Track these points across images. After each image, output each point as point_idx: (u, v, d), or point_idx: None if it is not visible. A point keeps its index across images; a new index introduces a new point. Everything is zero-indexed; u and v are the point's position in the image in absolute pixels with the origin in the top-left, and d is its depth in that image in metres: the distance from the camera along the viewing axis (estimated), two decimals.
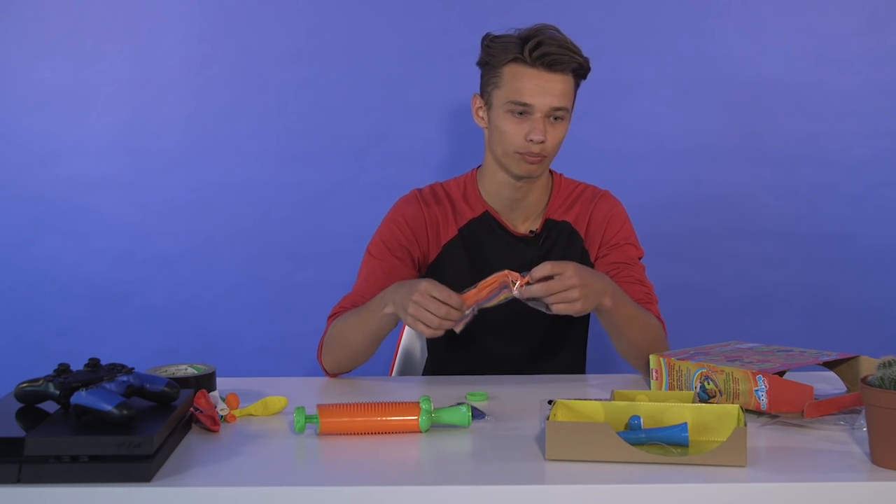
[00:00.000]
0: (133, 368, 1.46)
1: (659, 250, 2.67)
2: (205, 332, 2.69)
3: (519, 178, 1.91)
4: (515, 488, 1.26)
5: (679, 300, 2.69)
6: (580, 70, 1.86)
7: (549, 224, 1.98)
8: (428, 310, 1.64)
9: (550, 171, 2.03)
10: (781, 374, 1.60)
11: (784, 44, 2.64)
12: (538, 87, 1.82)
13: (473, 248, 1.97)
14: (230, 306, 2.70)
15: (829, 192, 2.67)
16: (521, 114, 1.83)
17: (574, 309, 1.65)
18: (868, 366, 1.61)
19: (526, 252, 1.97)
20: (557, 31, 1.86)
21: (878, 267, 2.69)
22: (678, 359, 1.65)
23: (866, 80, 2.64)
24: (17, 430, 1.31)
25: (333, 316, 1.92)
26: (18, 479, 1.25)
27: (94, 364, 1.45)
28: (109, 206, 2.66)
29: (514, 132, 1.84)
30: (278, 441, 1.46)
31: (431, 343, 2.10)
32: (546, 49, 1.81)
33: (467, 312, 1.67)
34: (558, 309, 1.65)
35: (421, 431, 1.47)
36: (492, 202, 1.98)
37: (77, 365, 1.47)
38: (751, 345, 1.78)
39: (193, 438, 1.46)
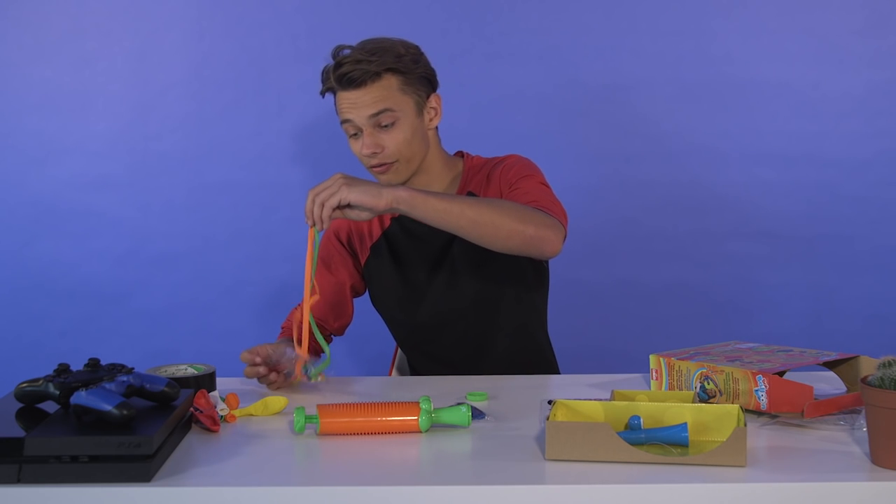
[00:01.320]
0: (133, 368, 1.46)
1: (659, 250, 2.68)
2: (205, 332, 2.69)
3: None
4: (515, 488, 1.26)
5: (679, 300, 2.69)
6: (396, 69, 1.85)
7: None
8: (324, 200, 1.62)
9: (463, 156, 2.04)
10: (781, 374, 1.60)
11: (784, 44, 2.64)
12: (350, 104, 1.86)
13: (397, 247, 2.00)
14: (230, 306, 2.70)
15: (829, 192, 2.67)
16: (353, 135, 1.88)
17: (340, 195, 1.59)
18: (868, 366, 1.61)
19: (442, 236, 1.91)
20: (365, 43, 1.86)
21: (878, 267, 2.69)
22: (678, 359, 1.65)
23: (866, 80, 2.64)
24: (17, 430, 1.31)
25: (284, 327, 2.02)
26: (18, 479, 1.25)
27: (94, 364, 1.45)
28: (109, 206, 2.66)
29: (356, 152, 1.90)
30: (278, 441, 1.46)
31: (409, 359, 2.14)
32: (342, 70, 1.84)
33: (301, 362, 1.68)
34: (322, 198, 1.60)
35: (421, 431, 1.47)
36: None
37: (77, 365, 1.47)
38: (751, 345, 1.78)
39: (193, 438, 1.46)
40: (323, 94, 1.94)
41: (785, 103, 2.65)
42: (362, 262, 2.04)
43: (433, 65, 2.71)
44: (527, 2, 2.63)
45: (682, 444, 1.36)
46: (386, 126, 1.86)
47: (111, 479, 1.26)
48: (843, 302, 2.70)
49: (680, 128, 2.66)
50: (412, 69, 1.88)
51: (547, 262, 2.03)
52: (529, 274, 2.00)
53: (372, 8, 2.62)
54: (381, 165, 1.88)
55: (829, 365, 1.68)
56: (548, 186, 1.90)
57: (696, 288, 2.70)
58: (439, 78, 2.73)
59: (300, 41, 2.64)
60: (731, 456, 1.30)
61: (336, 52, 1.88)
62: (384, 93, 1.85)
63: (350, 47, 1.88)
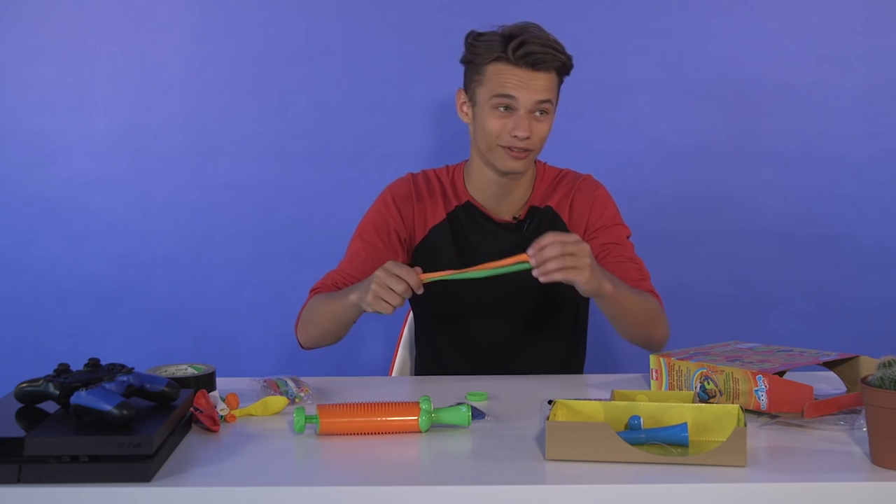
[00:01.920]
0: (133, 368, 1.46)
1: (659, 250, 2.67)
2: (205, 332, 2.69)
3: (504, 173, 1.93)
4: (515, 488, 1.26)
5: (679, 300, 2.68)
6: (563, 68, 1.89)
7: (532, 211, 2.00)
8: (389, 286, 1.67)
9: (535, 161, 2.04)
10: (781, 374, 1.60)
11: (784, 44, 2.63)
12: (521, 83, 1.84)
13: (459, 234, 1.99)
14: (230, 306, 2.70)
15: (829, 192, 2.67)
16: (506, 108, 1.85)
17: (582, 276, 1.62)
18: (868, 366, 1.61)
19: (509, 238, 1.98)
20: (540, 29, 1.87)
21: (878, 267, 2.69)
22: (678, 359, 1.65)
23: (866, 80, 2.64)
24: (17, 430, 1.31)
25: (314, 290, 1.97)
26: (18, 479, 1.25)
27: (94, 364, 1.45)
28: (109, 206, 2.66)
29: (498, 126, 1.87)
30: (278, 441, 1.46)
31: (421, 330, 2.11)
32: (529, 48, 1.82)
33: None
34: (566, 273, 1.61)
35: (421, 431, 1.47)
36: (476, 195, 2.00)
37: (77, 365, 1.47)
38: (751, 345, 1.78)
39: (193, 438, 1.46)
40: (475, 59, 1.88)
41: (785, 103, 2.65)
42: (417, 240, 2.01)
43: (433, 65, 2.72)
44: (527, 2, 2.62)
45: (682, 444, 1.36)
46: (539, 116, 1.87)
47: (111, 479, 1.26)
48: (843, 302, 2.70)
49: (680, 128, 2.66)
50: (568, 71, 1.92)
51: None
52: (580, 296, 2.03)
53: (372, 8, 2.62)
54: (523, 150, 1.87)
55: (829, 365, 1.68)
56: (632, 243, 2.01)
57: (696, 288, 2.70)
58: (439, 78, 2.74)
59: (300, 41, 2.63)
60: (731, 456, 1.30)
61: (512, 30, 1.85)
62: (551, 84, 1.87)
63: (522, 26, 1.86)
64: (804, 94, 2.64)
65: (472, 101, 1.92)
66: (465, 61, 1.92)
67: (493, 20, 2.60)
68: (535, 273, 1.64)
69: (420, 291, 1.69)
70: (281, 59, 2.64)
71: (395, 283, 1.67)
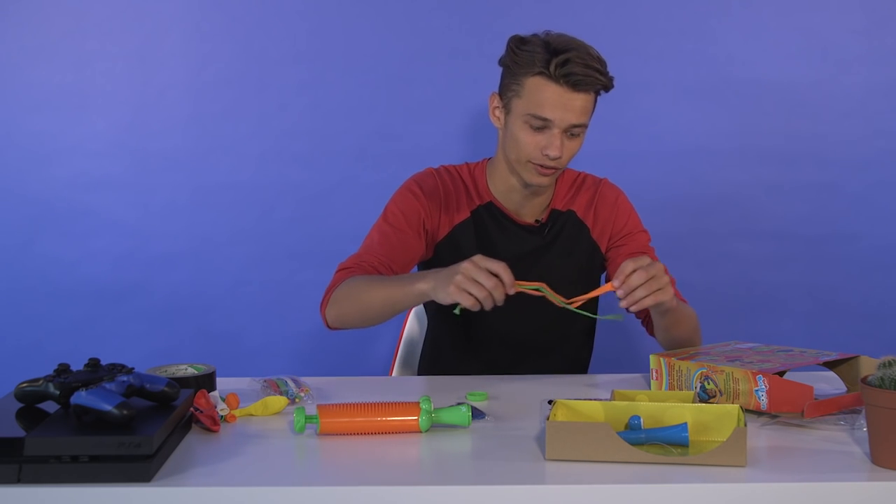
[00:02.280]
0: (133, 368, 1.46)
1: (659, 250, 2.66)
2: (205, 332, 2.69)
3: (528, 185, 1.92)
4: (515, 488, 1.26)
5: None
6: (604, 89, 1.87)
7: (554, 214, 2.01)
8: (476, 279, 1.59)
9: None
10: (781, 374, 1.60)
11: (784, 44, 2.63)
12: (559, 103, 1.80)
13: (483, 232, 1.99)
14: (230, 306, 2.70)
15: (829, 192, 2.67)
16: (539, 128, 1.83)
17: (667, 296, 1.64)
18: (868, 366, 1.61)
19: (531, 241, 1.99)
20: (587, 47, 1.83)
21: (879, 267, 2.69)
22: (678, 359, 1.65)
23: (866, 80, 2.64)
24: (17, 430, 1.31)
25: (345, 270, 1.88)
26: (18, 479, 1.25)
27: (94, 364, 1.45)
28: (109, 206, 2.66)
29: (530, 143, 1.85)
30: (278, 441, 1.46)
31: (432, 328, 2.10)
32: (572, 69, 1.78)
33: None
34: (656, 297, 1.62)
35: (421, 431, 1.47)
36: (498, 196, 2.00)
37: (77, 365, 1.47)
38: (751, 345, 1.78)
39: (193, 438, 1.46)
40: (516, 69, 1.83)
41: (785, 103, 2.65)
42: (440, 235, 1.99)
43: (433, 65, 2.71)
44: (527, 2, 2.62)
45: (682, 444, 1.36)
46: (571, 136, 1.85)
47: (111, 479, 1.26)
48: (843, 302, 2.70)
49: (680, 128, 2.66)
50: (609, 89, 1.89)
51: None
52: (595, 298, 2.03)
53: (372, 8, 2.62)
54: (551, 168, 1.86)
55: (829, 365, 1.68)
56: (650, 240, 2.06)
57: (697, 288, 2.69)
58: (439, 78, 2.73)
59: (300, 41, 2.63)
60: (731, 456, 1.30)
61: (557, 44, 1.80)
62: (588, 106, 1.84)
63: (566, 40, 1.82)
64: (804, 94, 2.64)
65: (506, 108, 1.88)
66: (505, 65, 1.88)
67: (493, 20, 2.62)
68: (623, 304, 1.64)
69: (513, 291, 1.61)
70: (281, 60, 2.64)
71: (483, 277, 1.59)
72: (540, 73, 1.80)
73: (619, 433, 1.33)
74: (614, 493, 1.25)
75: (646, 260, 1.64)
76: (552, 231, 2.00)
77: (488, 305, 1.61)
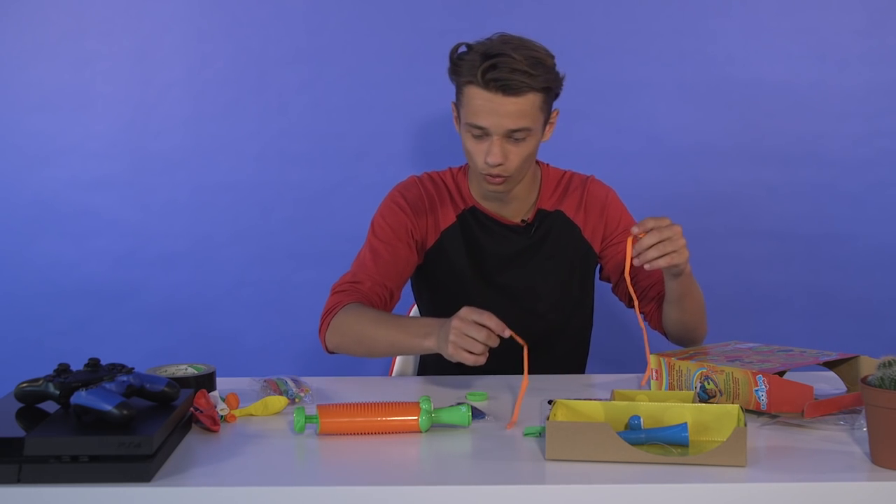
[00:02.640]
0: (133, 368, 1.46)
1: None
2: (205, 332, 2.69)
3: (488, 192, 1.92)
4: (515, 488, 1.26)
5: None
6: (546, 89, 1.80)
7: (541, 214, 1.99)
8: (469, 335, 1.57)
9: (537, 162, 2.02)
10: (781, 374, 1.60)
11: (784, 44, 2.63)
12: (492, 110, 1.76)
13: (470, 236, 1.98)
14: (230, 306, 2.70)
15: (829, 192, 2.67)
16: (479, 136, 1.81)
17: (682, 259, 1.65)
18: (868, 366, 1.61)
19: (518, 241, 1.98)
20: (523, 47, 1.77)
21: (879, 267, 2.69)
22: (678, 359, 1.65)
23: (866, 80, 2.64)
24: (17, 430, 1.31)
25: (341, 293, 1.89)
26: (18, 479, 1.25)
27: (94, 364, 1.45)
28: (109, 206, 2.66)
29: (474, 152, 1.83)
30: (278, 441, 1.46)
31: None
32: (498, 74, 1.73)
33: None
34: (670, 259, 1.63)
35: (421, 431, 1.47)
36: (480, 200, 1.99)
37: (77, 365, 1.47)
38: (751, 345, 1.78)
39: (193, 438, 1.46)
40: (454, 81, 1.82)
41: (785, 103, 2.65)
42: (429, 243, 1.98)
43: (433, 65, 2.71)
44: (527, 2, 2.63)
45: (682, 444, 1.36)
46: (517, 140, 1.81)
47: (111, 479, 1.26)
48: (843, 302, 2.70)
49: (680, 128, 2.66)
50: (555, 87, 1.83)
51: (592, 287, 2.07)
52: (591, 295, 2.07)
53: (372, 8, 2.62)
54: (498, 176, 1.84)
55: (829, 365, 1.68)
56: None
57: None
58: (439, 78, 2.72)
59: (300, 41, 2.64)
60: (731, 456, 1.30)
61: (489, 49, 1.76)
62: (528, 108, 1.78)
63: (502, 43, 1.77)
64: (804, 94, 2.64)
65: (458, 118, 1.88)
66: (450, 78, 1.86)
67: (493, 20, 2.60)
68: (636, 261, 1.64)
69: (506, 335, 1.57)
70: (281, 60, 2.64)
71: (474, 331, 1.56)
72: (470, 82, 1.77)
73: (619, 433, 1.33)
74: (614, 493, 1.25)
75: (665, 221, 1.64)
76: (539, 231, 1.99)
77: (483, 361, 1.58)
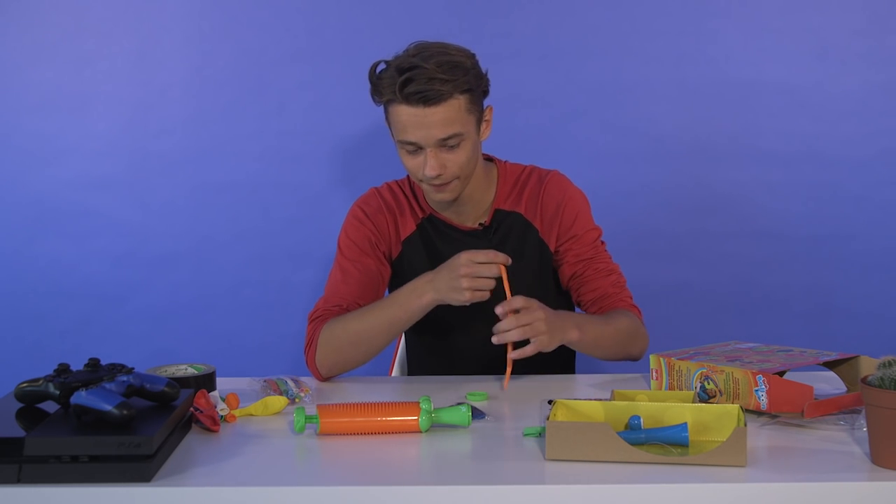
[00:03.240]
0: (133, 368, 1.46)
1: (659, 250, 2.68)
2: (205, 332, 2.69)
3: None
4: (515, 488, 1.26)
5: (679, 300, 2.69)
6: (466, 90, 1.78)
7: (498, 215, 1.97)
8: (482, 275, 1.69)
9: (493, 161, 2.01)
10: (781, 374, 1.60)
11: (784, 44, 2.63)
12: (418, 123, 1.75)
13: (430, 244, 1.97)
14: (230, 306, 2.70)
15: (829, 192, 2.67)
16: (412, 151, 1.80)
17: (542, 344, 1.68)
18: (868, 366, 1.61)
19: (478, 245, 1.93)
20: (437, 54, 1.75)
21: (879, 267, 2.69)
22: (678, 359, 1.65)
23: (866, 80, 2.64)
24: (17, 430, 1.31)
25: (319, 319, 1.89)
26: (18, 479, 1.25)
27: (94, 364, 1.45)
28: (109, 206, 2.66)
29: (413, 167, 1.83)
30: (278, 441, 1.46)
31: (410, 346, 2.13)
32: (415, 87, 1.72)
33: None
34: (536, 346, 1.68)
35: (421, 431, 1.47)
36: (435, 206, 1.97)
37: (77, 365, 1.47)
38: (751, 345, 1.78)
39: (193, 438, 1.46)
40: (377, 102, 1.83)
41: (785, 103, 2.65)
42: (394, 254, 1.98)
43: None
44: (527, 2, 2.62)
45: (682, 444, 1.36)
46: (451, 147, 1.80)
47: (111, 479, 1.26)
48: (843, 302, 2.70)
49: (680, 128, 2.66)
50: (479, 86, 1.82)
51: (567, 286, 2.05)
52: (557, 294, 2.04)
53: (372, 8, 2.62)
54: (442, 185, 1.83)
55: (829, 365, 1.68)
56: (604, 242, 2.02)
57: (697, 288, 2.70)
58: None
59: (300, 41, 2.63)
60: (731, 456, 1.30)
61: (402, 63, 1.75)
62: (453, 114, 1.76)
63: (415, 55, 1.76)
64: (804, 94, 2.64)
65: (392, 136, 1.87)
66: (373, 99, 1.85)
67: (493, 20, 2.62)
68: (495, 339, 1.68)
69: (509, 261, 1.71)
70: (281, 59, 2.64)
71: (485, 270, 1.69)
72: (392, 100, 1.77)
73: (619, 433, 1.33)
74: (614, 493, 1.25)
75: (532, 304, 1.68)
76: (498, 233, 1.96)
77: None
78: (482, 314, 1.96)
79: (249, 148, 2.66)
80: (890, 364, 1.30)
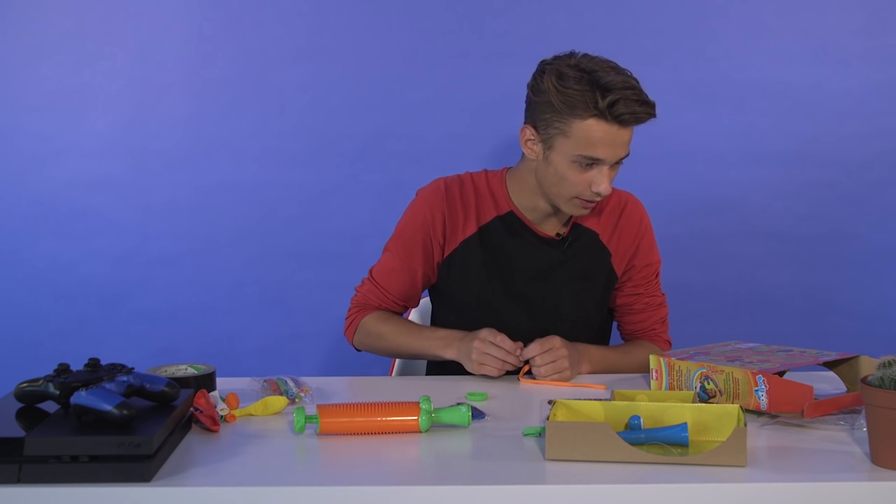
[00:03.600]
0: (133, 368, 1.46)
1: (660, 250, 2.68)
2: (205, 332, 2.69)
3: (566, 212, 1.92)
4: (515, 488, 1.26)
5: (679, 300, 2.68)
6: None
7: (576, 229, 1.98)
8: (490, 354, 1.77)
9: None
10: (781, 374, 1.60)
11: (784, 44, 2.63)
12: (611, 141, 1.77)
13: (493, 246, 1.96)
14: (230, 306, 2.70)
15: (829, 192, 2.67)
16: (586, 166, 1.80)
17: (564, 377, 1.79)
18: (868, 366, 1.61)
19: (550, 254, 1.96)
20: (632, 82, 1.78)
21: (878, 267, 2.69)
22: (678, 359, 1.65)
23: (866, 80, 2.64)
24: (17, 430, 1.31)
25: (360, 309, 2.02)
26: (18, 479, 1.25)
27: (94, 364, 1.45)
28: (109, 206, 2.66)
29: (578, 182, 1.82)
30: (278, 441, 1.46)
31: (440, 324, 2.11)
32: (625, 109, 1.74)
33: None
34: (552, 377, 1.78)
35: (421, 431, 1.47)
36: (521, 205, 1.96)
37: (77, 365, 1.47)
38: (751, 345, 1.78)
39: (193, 438, 1.46)
40: (564, 110, 1.76)
41: (785, 103, 2.65)
42: (447, 252, 1.97)
43: (433, 65, 2.70)
44: (527, 2, 2.63)
45: (682, 444, 1.36)
46: (617, 165, 1.83)
47: (111, 479, 1.26)
48: (843, 302, 2.70)
49: (680, 128, 2.66)
50: None
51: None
52: (608, 316, 2.10)
53: (372, 8, 2.62)
54: (597, 201, 1.86)
55: (829, 365, 1.68)
56: (659, 262, 2.08)
57: (697, 288, 2.70)
58: (439, 78, 2.72)
59: (300, 41, 2.64)
60: (731, 456, 1.30)
61: (603, 80, 1.74)
62: (632, 135, 1.81)
63: (611, 70, 1.77)
64: (804, 94, 2.64)
65: (546, 143, 1.82)
66: (544, 101, 1.79)
67: (493, 20, 2.62)
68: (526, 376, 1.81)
69: (518, 354, 1.79)
70: (281, 59, 2.64)
71: (493, 350, 1.78)
72: (592, 116, 1.75)
73: (619, 433, 1.33)
74: (614, 493, 1.25)
75: (552, 342, 1.79)
76: (572, 247, 1.97)
77: (502, 372, 1.80)
78: (527, 315, 1.97)
79: (249, 148, 2.66)
80: (890, 364, 1.30)
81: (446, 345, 1.87)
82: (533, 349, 1.78)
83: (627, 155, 1.83)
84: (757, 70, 2.64)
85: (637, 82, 1.80)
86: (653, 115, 1.80)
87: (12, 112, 2.64)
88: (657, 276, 2.05)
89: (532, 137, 1.85)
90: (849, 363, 1.66)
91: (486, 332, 1.79)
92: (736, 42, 2.64)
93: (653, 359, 1.70)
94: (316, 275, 2.67)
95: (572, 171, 1.81)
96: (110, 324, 2.69)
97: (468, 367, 1.81)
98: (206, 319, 2.70)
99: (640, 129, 2.63)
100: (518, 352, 1.78)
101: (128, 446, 1.26)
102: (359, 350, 2.05)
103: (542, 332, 1.89)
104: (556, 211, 1.94)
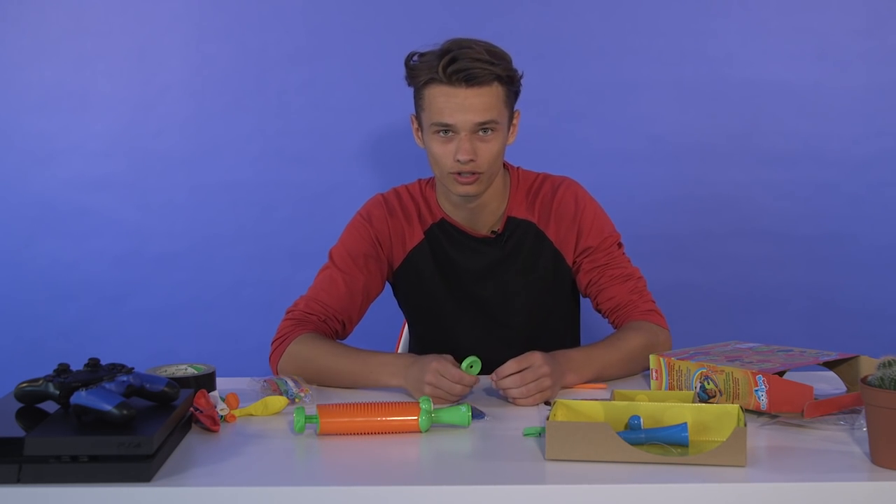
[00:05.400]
0: (133, 368, 1.46)
1: (659, 250, 2.68)
2: (205, 332, 2.69)
3: (461, 198, 1.88)
4: (515, 488, 1.26)
5: (679, 300, 2.68)
6: (506, 79, 1.80)
7: (511, 223, 1.95)
8: (441, 388, 1.61)
9: (507, 167, 1.99)
10: (781, 374, 1.60)
11: (784, 44, 2.63)
12: (457, 104, 1.76)
13: (439, 252, 1.96)
14: (230, 306, 2.70)
15: (829, 192, 2.67)
16: (446, 133, 1.79)
17: (547, 396, 1.64)
18: (868, 366, 1.61)
19: (489, 253, 1.94)
20: (476, 42, 1.77)
21: (878, 267, 2.69)
22: (678, 359, 1.65)
23: (866, 80, 2.64)
24: (17, 430, 1.31)
25: (295, 322, 1.88)
26: (18, 479, 1.25)
27: (94, 364, 1.45)
28: (109, 206, 2.66)
29: (443, 153, 1.80)
30: (278, 441, 1.46)
31: (413, 345, 2.13)
32: (460, 65, 1.73)
33: None
34: (534, 399, 1.62)
35: (421, 431, 1.47)
36: (449, 212, 1.96)
37: (77, 365, 1.47)
38: (751, 345, 1.78)
39: (193, 438, 1.46)
40: (414, 83, 1.81)
41: (785, 103, 2.65)
42: (396, 264, 1.97)
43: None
44: (527, 2, 2.63)
45: (682, 444, 1.36)
46: (485, 136, 1.79)
47: (111, 479, 1.26)
48: (843, 302, 2.70)
49: (680, 128, 2.66)
50: (516, 82, 1.83)
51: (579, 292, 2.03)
52: (570, 300, 2.04)
53: (372, 8, 2.62)
54: (470, 174, 1.81)
55: (829, 365, 1.68)
56: (622, 245, 1.98)
57: (697, 288, 2.70)
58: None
59: (300, 41, 2.64)
60: (731, 456, 1.30)
61: (445, 46, 1.76)
62: (492, 100, 1.77)
63: (457, 41, 1.77)
64: (804, 94, 2.64)
65: (420, 126, 1.86)
66: (409, 85, 1.85)
67: (493, 20, 2.62)
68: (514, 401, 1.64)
69: (476, 383, 1.64)
70: (281, 59, 2.64)
71: (447, 385, 1.61)
72: (432, 79, 1.77)
73: (619, 433, 1.33)
74: (614, 493, 1.25)
75: (531, 360, 1.62)
76: (510, 241, 1.95)
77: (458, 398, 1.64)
78: (484, 315, 1.97)
79: (249, 148, 2.66)
80: (890, 364, 1.30)
81: (392, 373, 1.71)
82: (509, 369, 1.62)
83: (493, 123, 1.78)
84: (757, 70, 2.64)
85: (487, 47, 1.77)
86: (494, 72, 1.75)
87: (13, 112, 2.64)
88: (618, 247, 1.96)
89: (416, 127, 1.88)
90: (849, 363, 1.66)
91: (435, 365, 1.63)
92: (736, 42, 2.64)
93: (652, 359, 1.70)
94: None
95: (436, 145, 1.81)
96: (110, 324, 2.69)
97: (416, 397, 1.65)
98: (206, 319, 2.70)
99: (640, 129, 2.66)
100: (476, 382, 1.65)
101: (128, 446, 1.26)
102: (277, 373, 1.85)
103: (498, 328, 1.90)
104: (468, 203, 1.89)
